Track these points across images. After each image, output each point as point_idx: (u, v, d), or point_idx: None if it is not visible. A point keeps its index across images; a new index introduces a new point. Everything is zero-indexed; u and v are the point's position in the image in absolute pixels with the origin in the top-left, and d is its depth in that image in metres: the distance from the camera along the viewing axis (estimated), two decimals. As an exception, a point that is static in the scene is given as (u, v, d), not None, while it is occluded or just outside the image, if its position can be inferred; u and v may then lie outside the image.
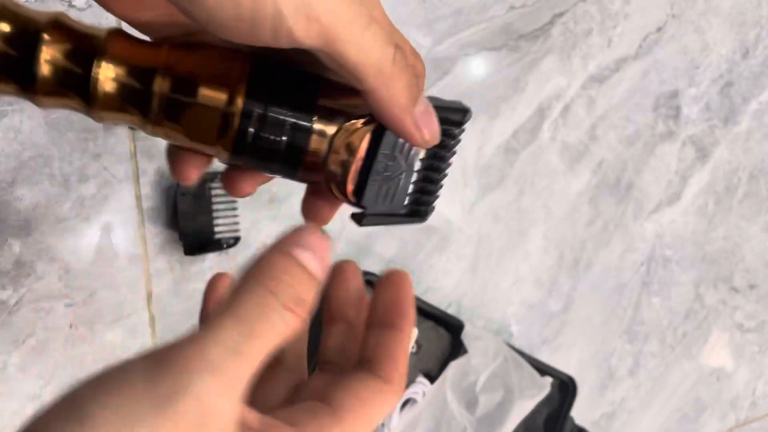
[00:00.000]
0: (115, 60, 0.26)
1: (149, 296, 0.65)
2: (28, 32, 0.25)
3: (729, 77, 0.98)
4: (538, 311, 0.87)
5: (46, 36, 0.25)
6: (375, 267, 0.75)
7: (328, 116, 0.27)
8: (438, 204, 0.32)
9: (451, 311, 0.78)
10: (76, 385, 0.19)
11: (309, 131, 0.26)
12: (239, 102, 0.25)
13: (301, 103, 0.26)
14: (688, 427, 1.02)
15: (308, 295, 0.21)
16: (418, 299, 0.70)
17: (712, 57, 0.96)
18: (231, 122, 0.25)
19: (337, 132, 0.27)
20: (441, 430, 0.69)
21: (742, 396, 1.06)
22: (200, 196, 0.63)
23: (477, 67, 0.80)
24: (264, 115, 0.26)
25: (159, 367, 0.19)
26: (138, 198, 0.63)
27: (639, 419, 0.97)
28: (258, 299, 0.20)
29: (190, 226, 0.63)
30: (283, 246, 0.22)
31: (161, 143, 0.64)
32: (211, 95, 0.25)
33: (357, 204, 0.28)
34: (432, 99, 0.29)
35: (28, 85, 0.26)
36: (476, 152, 0.80)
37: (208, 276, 0.68)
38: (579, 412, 0.85)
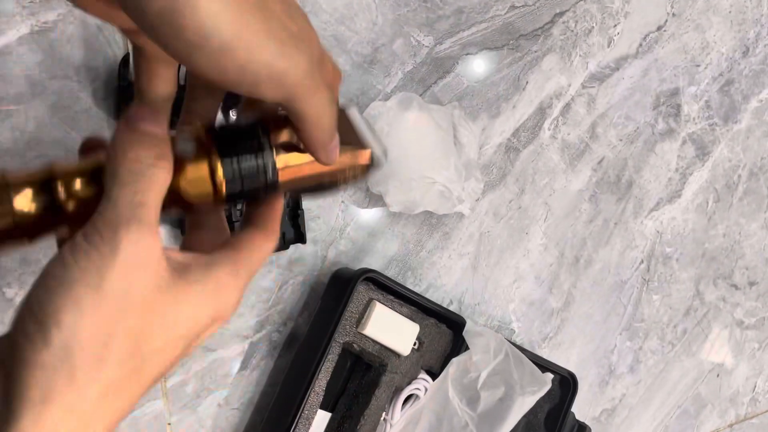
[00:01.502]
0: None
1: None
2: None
3: (729, 75, 0.98)
4: (539, 308, 0.87)
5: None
6: (377, 264, 0.75)
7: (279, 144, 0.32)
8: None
9: (452, 308, 0.79)
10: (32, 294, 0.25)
11: (272, 161, 0.31)
12: (219, 173, 0.30)
13: (257, 143, 0.31)
14: (688, 423, 1.02)
15: (165, 150, 0.28)
16: (420, 296, 0.71)
17: (713, 55, 0.96)
18: (219, 188, 0.30)
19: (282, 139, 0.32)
20: (443, 425, 0.70)
21: (742, 392, 1.07)
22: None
23: (478, 67, 0.80)
24: (239, 168, 0.31)
25: (92, 235, 0.25)
26: (142, 196, 0.64)
27: (639, 415, 0.98)
28: (128, 165, 0.27)
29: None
30: (128, 125, 0.28)
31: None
32: (195, 177, 0.30)
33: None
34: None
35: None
36: (477, 151, 0.81)
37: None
38: (580, 408, 0.86)
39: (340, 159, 0.33)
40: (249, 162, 0.31)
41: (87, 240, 0.25)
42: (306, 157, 0.32)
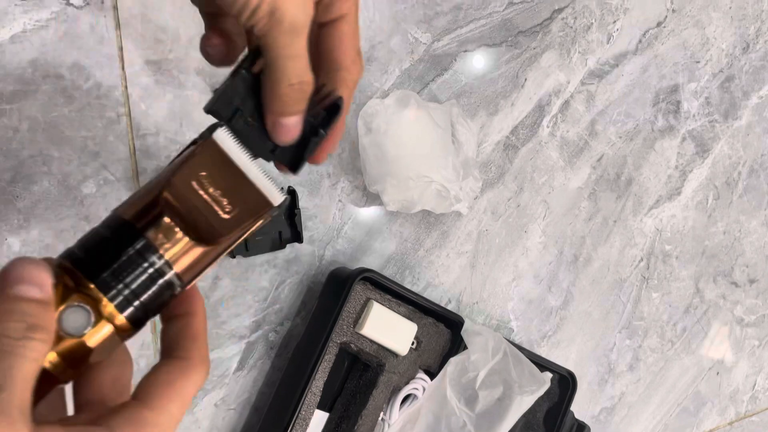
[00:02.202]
0: None
1: (149, 294, 0.65)
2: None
3: (729, 72, 0.97)
4: (538, 307, 0.87)
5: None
6: (375, 264, 0.75)
7: (146, 215, 0.27)
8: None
9: (450, 307, 0.78)
10: None
11: (171, 271, 0.27)
12: (118, 318, 0.25)
13: (122, 233, 0.26)
14: (688, 421, 1.02)
15: (39, 319, 0.23)
16: (417, 296, 0.70)
17: (713, 51, 0.96)
18: (121, 330, 0.26)
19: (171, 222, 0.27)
20: (441, 425, 0.69)
21: (742, 390, 1.06)
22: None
23: (476, 64, 0.80)
24: (112, 273, 0.26)
25: None
26: (137, 196, 0.64)
27: (639, 414, 0.98)
28: None
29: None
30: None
31: (160, 142, 0.64)
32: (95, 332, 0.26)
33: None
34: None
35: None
36: (475, 149, 0.80)
37: (209, 274, 0.68)
38: (579, 407, 0.85)
39: (236, 220, 0.28)
40: (144, 285, 0.26)
41: None
42: (197, 246, 0.27)
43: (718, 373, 1.03)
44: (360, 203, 0.74)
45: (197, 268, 0.28)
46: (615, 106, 0.89)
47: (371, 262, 0.75)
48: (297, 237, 0.67)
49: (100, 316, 0.25)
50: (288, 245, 0.68)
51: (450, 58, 0.78)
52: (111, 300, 0.25)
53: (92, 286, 0.25)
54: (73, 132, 0.61)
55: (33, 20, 0.59)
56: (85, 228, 0.62)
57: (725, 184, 0.99)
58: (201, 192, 0.27)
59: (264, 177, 0.29)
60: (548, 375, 0.75)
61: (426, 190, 0.69)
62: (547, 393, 0.76)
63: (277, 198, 0.29)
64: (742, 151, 1.00)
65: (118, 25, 0.62)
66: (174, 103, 0.64)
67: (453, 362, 0.71)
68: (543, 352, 0.86)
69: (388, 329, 0.68)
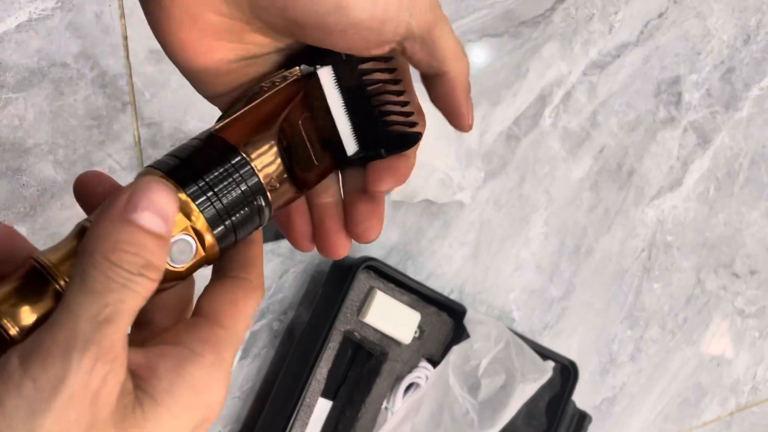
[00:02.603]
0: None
1: (154, 282, 0.66)
2: None
3: (730, 63, 0.98)
4: (540, 297, 0.87)
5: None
6: (378, 253, 0.75)
7: (255, 143, 0.26)
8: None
9: (453, 297, 0.79)
10: None
11: (258, 182, 0.26)
12: (195, 215, 0.24)
13: (224, 152, 0.25)
14: (688, 412, 1.03)
15: (156, 257, 0.22)
16: (420, 285, 0.71)
17: (714, 43, 0.96)
18: (210, 254, 0.25)
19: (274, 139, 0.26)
20: (444, 413, 0.70)
21: (743, 381, 1.07)
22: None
23: (478, 54, 0.80)
24: (207, 185, 0.24)
25: (34, 360, 0.19)
26: (142, 185, 0.64)
27: (640, 404, 0.98)
28: (106, 272, 0.21)
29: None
30: (122, 214, 0.22)
31: (165, 130, 0.65)
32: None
33: (345, 158, 0.29)
34: None
35: None
36: (478, 139, 0.81)
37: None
38: (580, 397, 0.86)
39: (323, 169, 0.27)
40: (241, 208, 0.25)
41: (24, 365, 0.19)
42: (289, 185, 0.26)
43: (718, 364, 1.04)
44: (363, 193, 0.74)
45: (282, 205, 0.27)
46: (616, 97, 0.89)
47: (374, 251, 0.75)
48: (301, 226, 0.68)
49: (201, 246, 0.24)
50: (292, 234, 0.69)
51: (452, 49, 0.78)
52: (202, 212, 0.24)
53: (184, 196, 0.24)
54: (79, 121, 0.61)
55: (38, 9, 0.59)
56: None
57: (726, 176, 1.00)
58: (303, 133, 0.27)
59: (348, 126, 0.28)
60: (550, 364, 0.75)
61: (429, 179, 0.69)
62: (548, 383, 0.76)
63: (351, 147, 0.28)
64: (743, 142, 1.00)
65: (122, 15, 0.62)
66: (178, 92, 0.64)
67: (456, 351, 0.72)
68: (545, 342, 0.87)
69: (392, 318, 0.69)
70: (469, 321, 0.73)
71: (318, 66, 0.28)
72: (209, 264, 0.26)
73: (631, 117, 0.91)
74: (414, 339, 0.71)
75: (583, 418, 0.83)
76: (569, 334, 0.90)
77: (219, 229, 0.25)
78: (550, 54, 0.84)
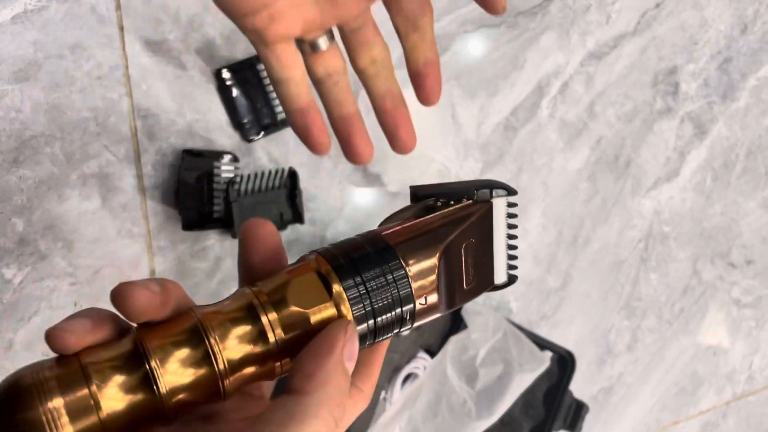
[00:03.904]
0: (220, 330, 0.24)
1: (152, 274, 0.66)
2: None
3: (727, 53, 0.97)
4: (537, 287, 0.87)
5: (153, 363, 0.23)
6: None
7: (417, 254, 0.26)
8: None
9: (450, 288, 0.79)
10: None
11: (410, 294, 0.26)
12: (346, 307, 0.25)
13: (388, 261, 0.25)
14: (685, 401, 1.03)
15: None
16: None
17: (711, 33, 0.96)
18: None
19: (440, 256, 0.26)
20: (441, 402, 0.70)
21: (739, 370, 1.07)
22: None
23: (476, 45, 0.80)
24: (367, 294, 0.25)
25: None
26: (139, 177, 0.64)
27: (637, 393, 0.99)
28: (329, 423, 0.23)
29: (190, 202, 0.64)
30: (341, 359, 0.24)
31: (162, 122, 0.64)
32: (320, 315, 0.25)
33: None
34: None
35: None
36: (475, 130, 0.81)
37: (211, 255, 0.68)
38: (578, 387, 0.86)
39: (471, 293, 0.28)
40: (387, 313, 0.25)
41: None
42: (437, 302, 0.26)
43: (715, 353, 1.04)
44: (360, 184, 0.74)
45: (424, 319, 0.27)
46: (614, 88, 0.89)
47: (372, 242, 0.75)
48: (298, 218, 0.68)
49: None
50: (289, 226, 0.69)
51: (449, 39, 0.78)
52: (353, 312, 0.25)
53: (339, 289, 0.25)
54: (75, 113, 0.61)
55: (34, 1, 0.59)
56: (87, 208, 0.62)
57: (723, 166, 1.00)
58: (463, 256, 0.27)
59: (504, 258, 0.28)
60: (548, 354, 0.76)
61: (427, 170, 0.69)
62: (546, 373, 0.76)
63: (501, 278, 0.29)
64: (740, 132, 1.00)
65: (118, 6, 0.62)
66: (175, 84, 0.64)
67: (453, 341, 0.72)
68: (542, 332, 0.87)
69: (389, 309, 0.69)
70: (466, 312, 0.74)
71: (494, 195, 0.28)
72: None
73: (628, 108, 0.91)
74: (411, 330, 0.71)
75: (580, 407, 0.83)
76: (566, 324, 0.90)
77: (361, 327, 0.25)
78: (548, 45, 0.84)
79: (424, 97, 0.36)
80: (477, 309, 0.74)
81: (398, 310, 0.26)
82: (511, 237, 0.28)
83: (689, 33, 0.94)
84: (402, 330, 0.27)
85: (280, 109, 0.68)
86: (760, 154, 1.02)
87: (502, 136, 0.83)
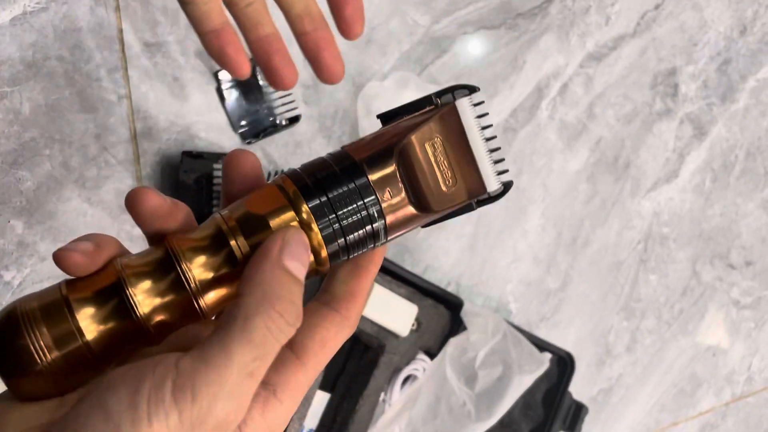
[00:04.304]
0: (190, 253, 0.25)
1: (151, 276, 0.66)
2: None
3: (727, 55, 0.98)
4: (536, 289, 0.87)
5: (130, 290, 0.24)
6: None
7: (372, 162, 0.26)
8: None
9: (450, 289, 0.79)
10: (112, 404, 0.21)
11: (375, 200, 0.26)
12: (303, 207, 0.25)
13: (349, 171, 0.26)
14: (684, 402, 1.03)
15: (301, 304, 0.24)
16: (417, 278, 0.71)
17: (710, 34, 0.96)
18: (311, 229, 0.25)
19: (398, 161, 0.26)
20: (441, 405, 0.70)
21: (738, 371, 1.07)
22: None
23: (475, 46, 0.80)
24: (329, 203, 0.25)
25: (185, 395, 0.21)
26: (138, 179, 0.64)
27: (636, 395, 0.99)
28: (268, 322, 0.22)
29: (189, 203, 0.64)
30: (279, 260, 0.23)
31: (161, 124, 0.64)
32: (280, 219, 0.25)
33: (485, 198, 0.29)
34: None
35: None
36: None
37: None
38: (577, 388, 0.86)
39: (453, 196, 0.27)
40: (353, 225, 0.25)
41: (175, 395, 0.21)
42: (410, 208, 0.26)
43: (714, 354, 1.04)
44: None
45: (400, 230, 0.27)
46: (613, 89, 0.89)
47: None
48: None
49: (315, 260, 0.25)
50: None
51: (449, 41, 0.78)
52: (321, 230, 0.25)
53: (306, 208, 0.25)
54: (74, 115, 0.61)
55: (33, 2, 0.59)
56: (86, 210, 0.62)
57: (722, 167, 1.00)
58: (431, 156, 0.27)
59: (488, 160, 0.28)
60: (547, 355, 0.76)
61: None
62: (545, 374, 0.76)
63: (492, 185, 0.28)
64: (740, 134, 1.00)
65: (117, 7, 0.62)
66: (174, 86, 0.64)
67: (453, 343, 0.72)
68: (541, 333, 0.87)
69: (389, 310, 0.69)
70: (466, 313, 0.74)
71: (456, 96, 0.27)
72: (318, 276, 0.26)
73: (628, 109, 0.91)
74: (411, 331, 0.71)
75: (579, 409, 0.83)
76: (566, 325, 0.90)
77: (332, 245, 0.25)
78: (547, 46, 0.84)
79: (345, 26, 0.33)
80: (476, 311, 0.74)
81: (367, 220, 0.26)
82: (488, 139, 0.28)
83: (688, 34, 0.94)
84: (378, 242, 0.27)
85: (279, 111, 0.68)
86: (760, 155, 1.02)
87: (502, 138, 0.83)
